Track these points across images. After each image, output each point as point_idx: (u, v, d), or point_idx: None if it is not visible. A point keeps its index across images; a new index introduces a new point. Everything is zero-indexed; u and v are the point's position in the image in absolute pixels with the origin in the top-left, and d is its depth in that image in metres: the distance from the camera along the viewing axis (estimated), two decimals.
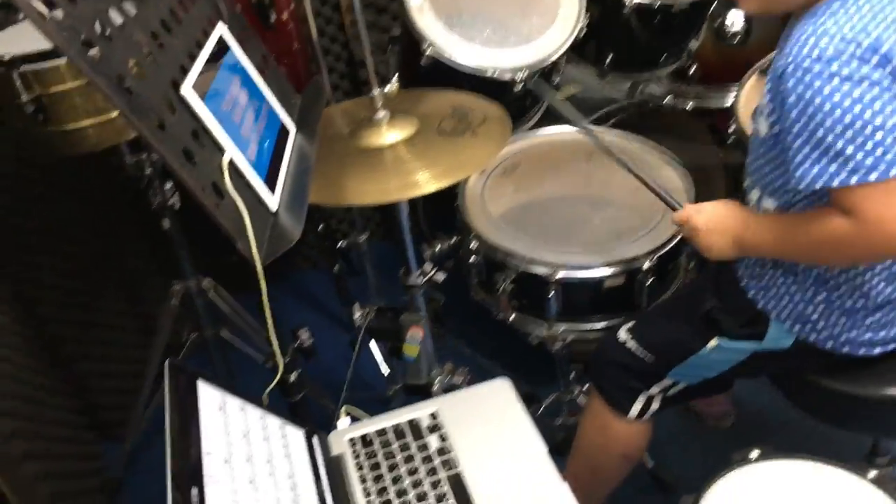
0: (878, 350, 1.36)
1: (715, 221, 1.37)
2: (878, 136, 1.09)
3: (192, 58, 1.18)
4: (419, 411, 1.23)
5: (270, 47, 2.25)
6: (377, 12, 2.54)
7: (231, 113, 1.21)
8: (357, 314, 2.00)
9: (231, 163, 1.13)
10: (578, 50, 2.04)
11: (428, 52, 1.80)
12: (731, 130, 1.92)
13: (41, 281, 2.01)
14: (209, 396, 1.06)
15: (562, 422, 2.02)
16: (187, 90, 1.10)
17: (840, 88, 1.09)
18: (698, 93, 2.35)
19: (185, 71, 1.14)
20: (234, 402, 1.09)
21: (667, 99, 2.23)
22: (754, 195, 1.38)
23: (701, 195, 2.26)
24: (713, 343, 1.44)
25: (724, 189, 2.24)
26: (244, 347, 2.19)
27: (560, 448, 1.94)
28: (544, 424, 2.04)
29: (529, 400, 2.17)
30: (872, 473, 1.11)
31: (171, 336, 2.12)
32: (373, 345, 2.31)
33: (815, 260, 1.32)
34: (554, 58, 1.86)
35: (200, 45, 1.23)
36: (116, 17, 1.06)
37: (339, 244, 2.24)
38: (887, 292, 1.31)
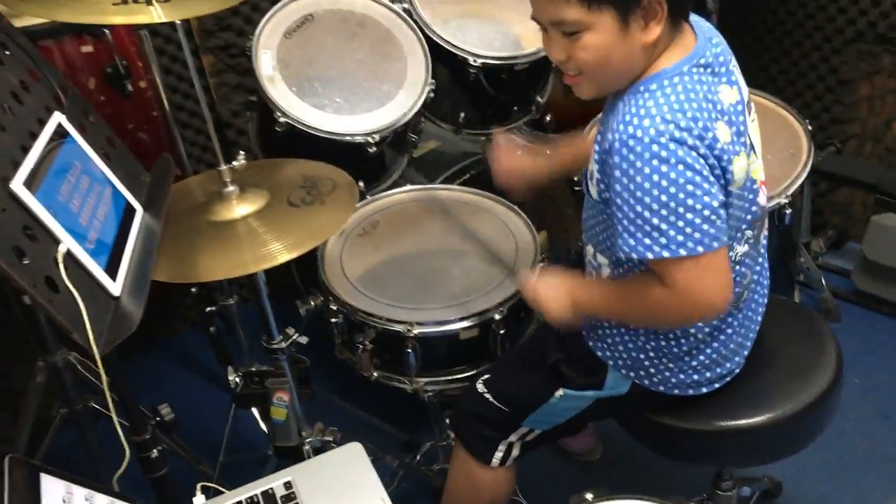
0: (704, 389, 1.48)
1: (552, 289, 1.45)
2: (689, 216, 1.20)
3: (25, 150, 1.20)
4: (274, 482, 1.27)
5: (130, 116, 2.28)
6: (240, 74, 2.58)
7: (69, 202, 1.22)
8: (231, 376, 2.02)
9: (67, 253, 1.15)
10: (433, 109, 2.14)
11: (281, 121, 1.86)
12: (576, 179, 2.04)
13: None
14: (53, 489, 1.06)
15: (439, 467, 2.07)
16: (17, 186, 1.11)
17: (658, 169, 1.19)
18: None
19: (16, 166, 1.15)
20: (80, 492, 1.10)
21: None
22: (589, 251, 1.48)
23: (559, 243, 2.39)
24: (559, 393, 1.53)
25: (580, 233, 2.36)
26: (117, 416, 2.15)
27: (439, 492, 2.00)
28: (422, 471, 2.11)
29: (409, 447, 2.23)
30: None
31: (41, 411, 2.08)
32: None
33: (641, 322, 1.43)
34: (403, 121, 1.95)
35: (35, 136, 1.24)
36: None
37: (208, 309, 2.24)
38: (707, 339, 1.43)
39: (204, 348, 2.69)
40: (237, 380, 1.98)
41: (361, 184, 2.00)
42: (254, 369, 2.01)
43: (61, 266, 1.12)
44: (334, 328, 1.79)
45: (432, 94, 2.01)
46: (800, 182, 1.87)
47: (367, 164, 1.97)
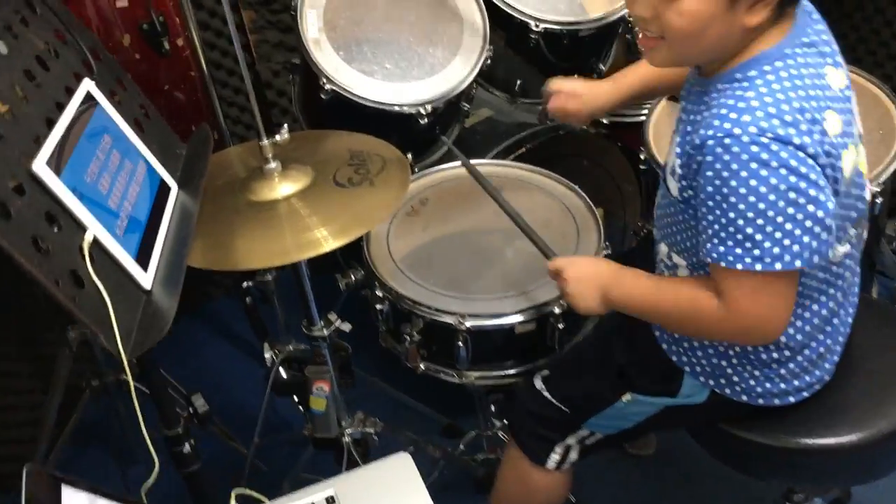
0: (792, 399, 1.34)
1: (584, 273, 1.35)
2: (788, 226, 1.08)
3: (51, 124, 1.08)
4: (315, 495, 1.16)
5: (166, 75, 2.16)
6: (282, 31, 2.44)
7: (97, 182, 1.11)
8: (267, 354, 1.92)
9: (94, 241, 1.04)
10: (487, 76, 1.99)
11: (327, 87, 1.72)
12: (643, 157, 1.89)
13: None
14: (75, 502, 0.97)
15: (484, 457, 1.97)
16: (40, 166, 1.00)
17: (757, 173, 1.06)
18: None
19: (39, 142, 1.03)
20: None
21: None
22: (663, 250, 1.35)
23: (616, 221, 2.24)
24: (627, 397, 1.41)
25: (638, 211, 2.21)
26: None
27: (482, 484, 1.90)
28: (465, 461, 2.01)
29: (452, 433, 2.13)
30: None
31: (71, 379, 2.01)
32: None
33: (673, 327, 1.33)
34: (458, 91, 1.80)
35: (62, 108, 1.13)
36: None
37: (245, 284, 2.14)
38: (800, 342, 1.29)
39: (239, 316, 2.59)
40: (273, 357, 1.89)
41: (409, 156, 1.87)
42: (291, 348, 1.92)
43: (87, 257, 1.01)
44: (378, 315, 1.67)
45: (489, 62, 1.86)
46: (893, 168, 1.70)
47: (417, 135, 1.84)
